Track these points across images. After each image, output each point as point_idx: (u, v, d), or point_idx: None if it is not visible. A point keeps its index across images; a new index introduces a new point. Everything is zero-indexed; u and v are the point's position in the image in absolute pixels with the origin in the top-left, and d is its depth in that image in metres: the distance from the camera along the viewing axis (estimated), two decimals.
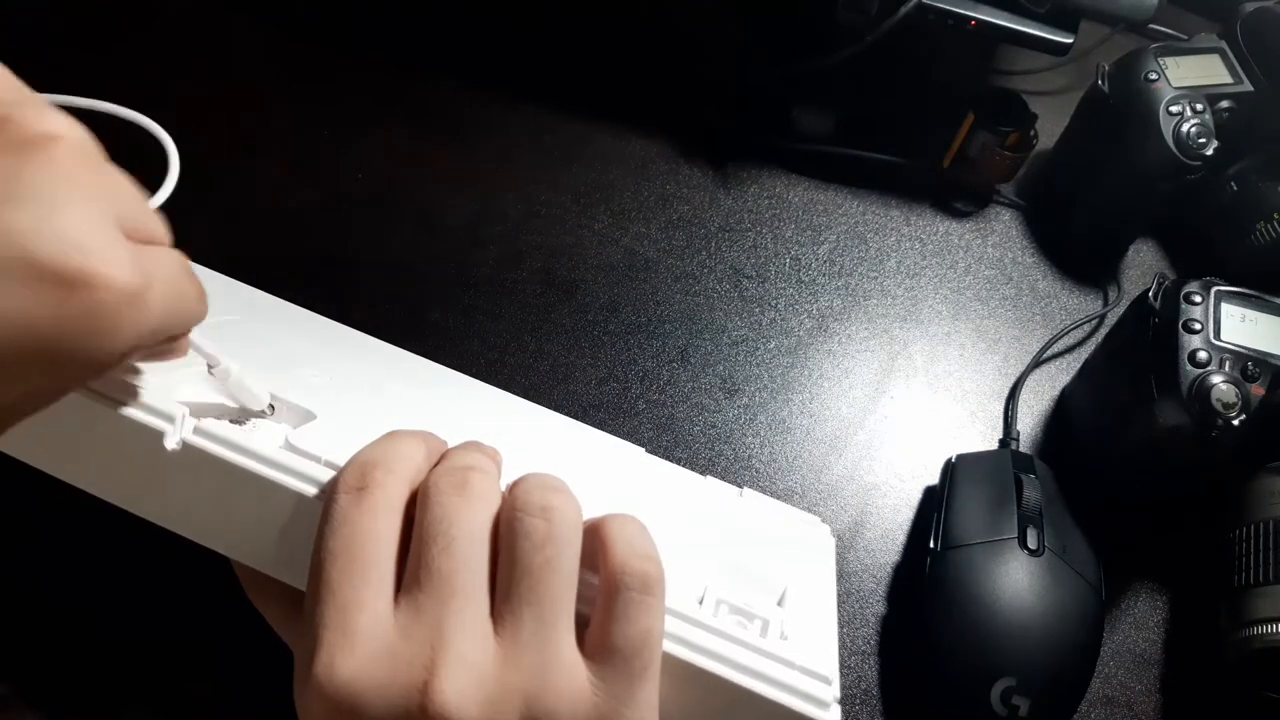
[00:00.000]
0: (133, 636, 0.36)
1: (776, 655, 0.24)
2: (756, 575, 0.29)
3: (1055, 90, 0.60)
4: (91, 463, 0.25)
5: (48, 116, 0.19)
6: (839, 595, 0.41)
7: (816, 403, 0.47)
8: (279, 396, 0.27)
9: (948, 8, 0.49)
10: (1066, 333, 0.50)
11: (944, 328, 0.50)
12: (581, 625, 0.23)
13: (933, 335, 0.50)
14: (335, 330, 0.38)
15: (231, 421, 0.26)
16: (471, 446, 0.26)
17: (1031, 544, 0.38)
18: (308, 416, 0.27)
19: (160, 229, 0.21)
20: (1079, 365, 0.48)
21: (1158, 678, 0.41)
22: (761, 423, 0.45)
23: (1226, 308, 0.39)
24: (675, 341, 0.48)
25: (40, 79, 0.43)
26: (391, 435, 0.25)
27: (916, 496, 0.44)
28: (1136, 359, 0.41)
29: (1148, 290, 0.41)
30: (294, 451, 0.24)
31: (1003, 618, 0.36)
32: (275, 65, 0.55)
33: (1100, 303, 0.52)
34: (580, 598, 0.23)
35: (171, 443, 0.24)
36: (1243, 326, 0.39)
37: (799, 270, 0.51)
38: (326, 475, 0.24)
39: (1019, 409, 0.47)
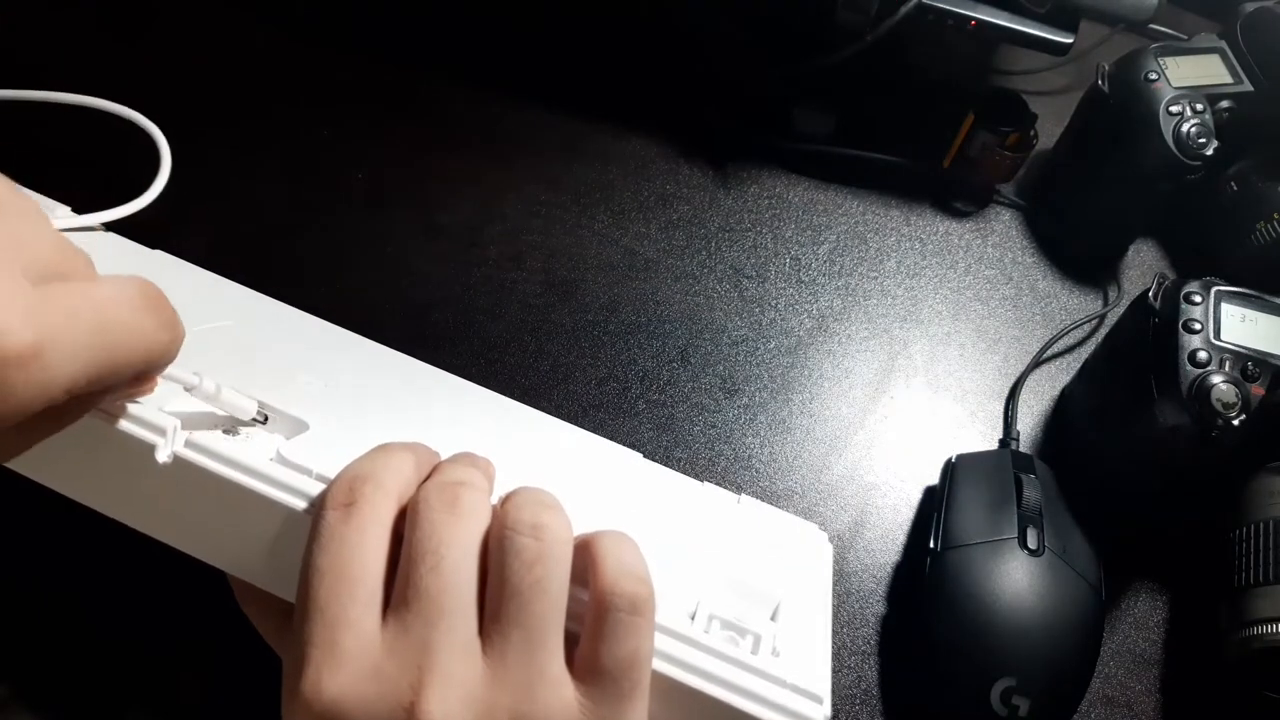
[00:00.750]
0: (131, 638, 0.36)
1: (768, 673, 0.24)
2: (751, 587, 0.29)
3: (1055, 90, 0.60)
4: (83, 474, 0.25)
5: None
6: (839, 595, 0.41)
7: (816, 403, 0.47)
8: (272, 406, 0.27)
9: (948, 8, 0.49)
10: (1066, 333, 0.50)
11: (944, 328, 0.50)
12: (571, 642, 0.22)
13: (933, 335, 0.50)
14: (332, 333, 0.38)
15: (225, 431, 0.26)
16: (463, 460, 0.26)
17: (1031, 544, 0.38)
18: (301, 426, 0.27)
19: (79, 266, 0.19)
20: (1079, 365, 0.48)
21: (1158, 678, 0.41)
22: (761, 423, 0.45)
23: (1226, 308, 0.39)
24: (675, 341, 0.48)
25: (36, 77, 0.43)
26: (381, 449, 0.24)
27: (916, 496, 0.44)
28: (1136, 359, 0.40)
29: (1148, 290, 0.41)
30: (284, 464, 0.24)
31: (1003, 618, 0.36)
32: (275, 65, 0.55)
33: (1100, 303, 0.52)
34: (570, 615, 0.22)
35: (163, 456, 0.24)
36: (1243, 326, 0.39)
37: (799, 270, 0.51)
38: (316, 489, 0.24)
39: (1019, 409, 0.47)
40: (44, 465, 0.25)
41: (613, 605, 0.22)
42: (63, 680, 0.35)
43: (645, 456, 0.37)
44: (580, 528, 0.24)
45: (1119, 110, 0.49)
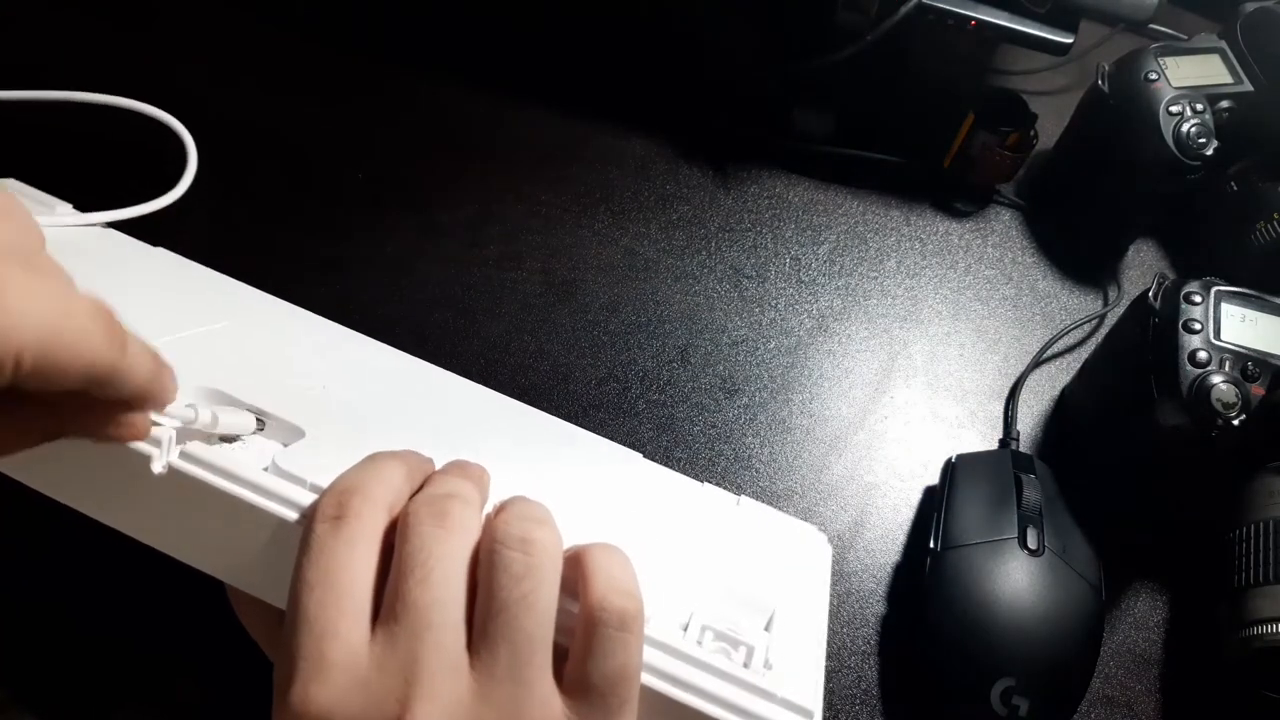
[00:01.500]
0: (130, 640, 0.36)
1: (759, 688, 0.24)
2: (747, 595, 0.28)
3: (1055, 90, 0.60)
4: (79, 482, 0.25)
5: None
6: (839, 595, 0.41)
7: (816, 403, 0.47)
8: (269, 413, 0.27)
9: (948, 8, 0.49)
10: (1066, 333, 0.50)
11: (944, 328, 0.50)
12: (560, 656, 0.22)
13: (933, 335, 0.50)
14: (333, 332, 0.38)
15: (221, 439, 0.26)
16: (455, 471, 0.26)
17: (1031, 544, 0.38)
18: (297, 433, 0.27)
19: (41, 259, 0.19)
20: (1079, 365, 0.48)
21: (1158, 678, 0.41)
22: (761, 423, 0.45)
23: (1226, 308, 0.39)
24: (675, 341, 0.48)
25: (36, 75, 0.43)
26: (372, 459, 0.24)
27: (916, 496, 0.44)
28: (1136, 359, 0.40)
29: (1148, 290, 0.41)
30: (278, 474, 0.25)
31: (1003, 618, 0.36)
32: (275, 65, 0.55)
33: (1100, 303, 0.52)
34: (560, 628, 0.22)
35: (158, 466, 0.24)
36: (1243, 326, 0.39)
37: (799, 270, 0.51)
38: (309, 498, 0.24)
39: (1019, 409, 0.47)
40: (41, 473, 0.25)
41: (602, 621, 0.22)
42: (62, 682, 0.35)
43: (646, 457, 0.37)
44: (577, 532, 0.24)
45: (1119, 110, 0.49)
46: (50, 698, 0.34)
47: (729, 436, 0.45)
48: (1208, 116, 0.47)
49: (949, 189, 0.55)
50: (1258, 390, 0.37)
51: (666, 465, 0.41)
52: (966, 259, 0.53)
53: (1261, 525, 0.38)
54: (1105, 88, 0.50)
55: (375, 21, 0.58)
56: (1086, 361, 0.47)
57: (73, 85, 0.44)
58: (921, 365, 0.49)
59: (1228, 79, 0.49)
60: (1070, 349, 0.50)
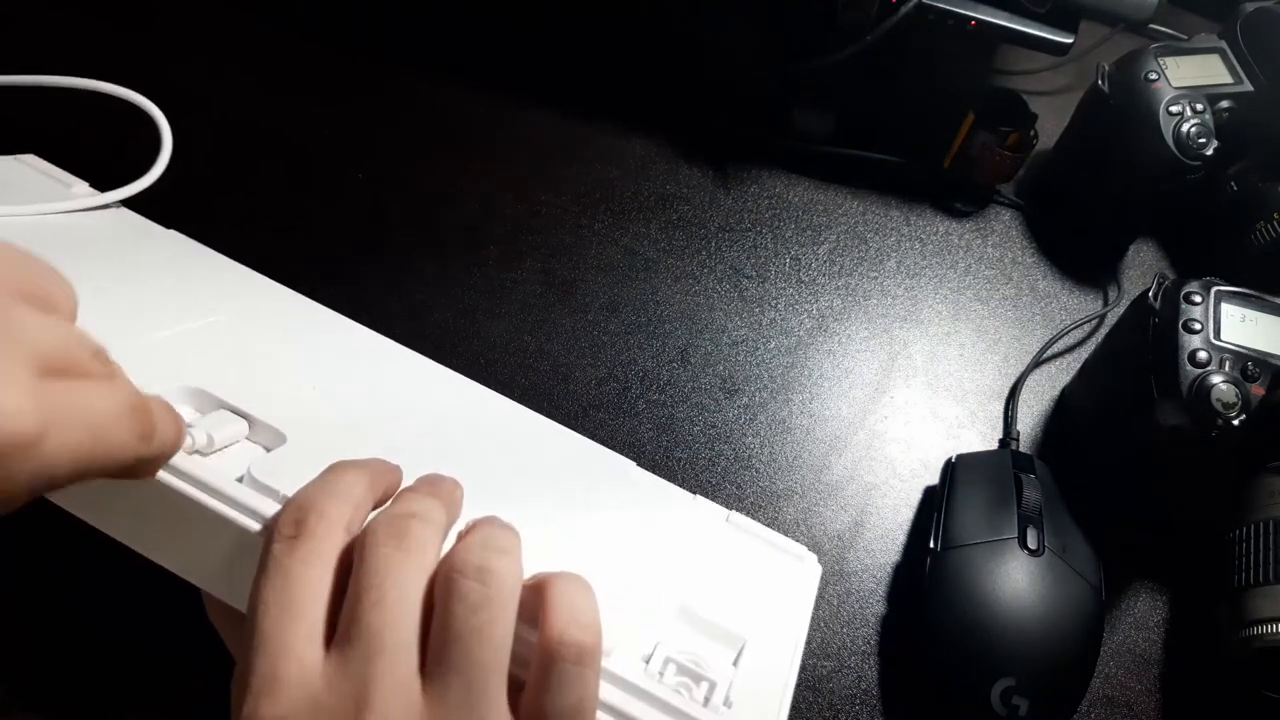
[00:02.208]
0: (131, 639, 0.36)
1: None
2: (718, 625, 0.28)
3: (1055, 90, 0.60)
4: None
5: None
6: (839, 595, 0.41)
7: (816, 403, 0.47)
8: (254, 417, 0.28)
9: (948, 8, 0.49)
10: (1066, 333, 0.50)
11: (944, 328, 0.50)
12: (517, 687, 0.22)
13: (933, 335, 0.50)
14: (332, 322, 0.38)
15: (205, 447, 0.26)
16: (424, 488, 0.25)
17: (1031, 544, 0.38)
18: (279, 439, 0.27)
19: (92, 363, 0.20)
20: (1079, 365, 0.48)
21: (1158, 678, 0.41)
22: (761, 423, 0.45)
23: (1226, 308, 0.39)
24: (675, 341, 0.48)
25: (36, 67, 0.43)
26: (333, 471, 0.24)
27: (916, 496, 0.44)
28: (1136, 359, 0.40)
29: (1148, 290, 0.41)
30: (252, 484, 0.25)
31: (1003, 618, 0.36)
32: (275, 64, 0.55)
33: (1100, 303, 0.52)
34: (517, 658, 0.22)
35: None
36: (1243, 326, 0.39)
37: (799, 270, 0.51)
38: (275, 511, 0.24)
39: (1019, 409, 0.47)
40: None
41: (560, 655, 0.22)
42: (63, 681, 0.35)
43: (640, 458, 0.37)
44: (551, 550, 0.24)
45: (1119, 110, 0.49)
46: (62, 699, 0.34)
47: (729, 436, 0.45)
48: (1208, 116, 0.47)
49: (949, 189, 0.55)
50: (1258, 390, 0.37)
51: (666, 465, 0.42)
52: (966, 259, 0.53)
53: (1261, 525, 0.38)
54: (1105, 88, 0.50)
55: (375, 21, 0.58)
56: (1086, 361, 0.47)
57: (77, 74, 0.44)
58: (921, 365, 0.49)
59: (1228, 79, 0.49)
60: (1070, 349, 0.50)
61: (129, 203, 0.42)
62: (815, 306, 0.50)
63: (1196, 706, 0.40)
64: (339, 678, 0.21)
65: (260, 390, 0.29)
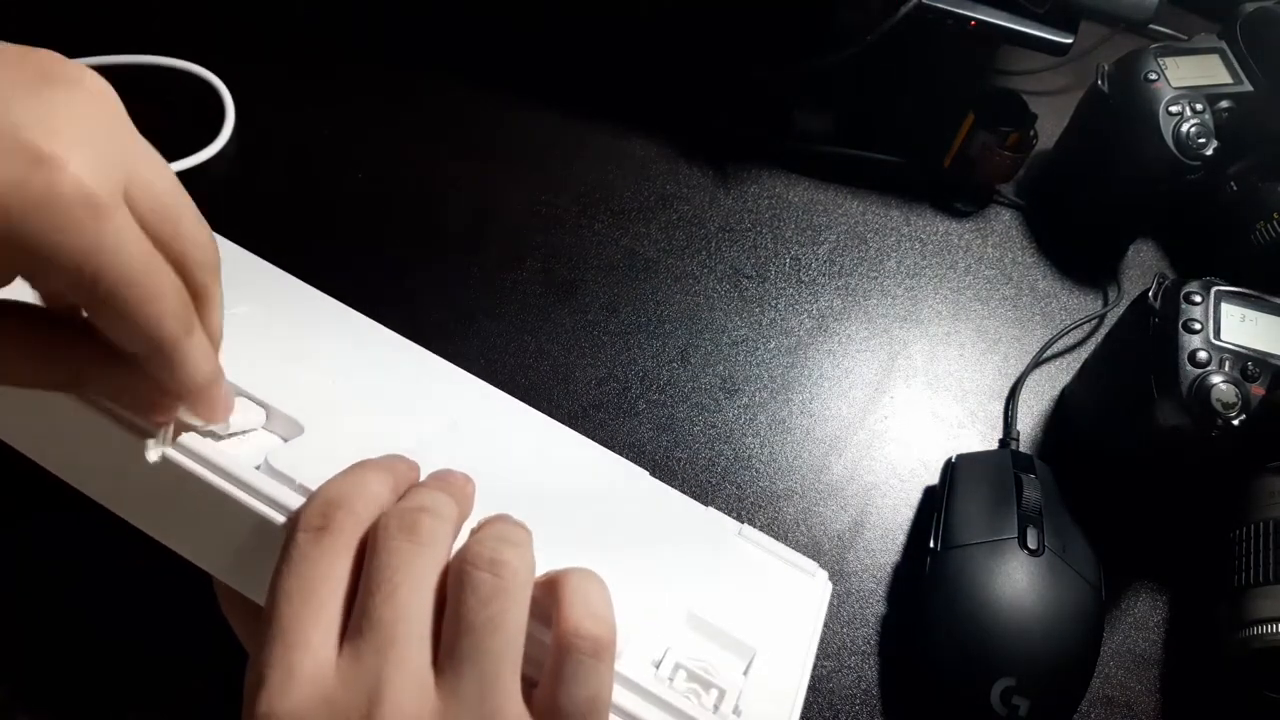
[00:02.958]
0: (131, 638, 0.36)
1: None
2: (729, 634, 0.28)
3: (1055, 90, 0.60)
4: (77, 460, 0.25)
5: (86, 71, 0.20)
6: (839, 595, 0.41)
7: (816, 403, 0.47)
8: (273, 406, 0.28)
9: (948, 8, 0.49)
10: (1066, 333, 0.50)
11: (944, 328, 0.50)
12: (531, 686, 0.22)
13: (933, 335, 0.50)
14: (353, 321, 0.38)
15: (221, 429, 0.26)
16: (435, 484, 0.25)
17: (1031, 544, 0.38)
18: (297, 429, 0.27)
19: (178, 212, 0.21)
20: (1079, 365, 0.48)
21: (1158, 678, 0.41)
22: (761, 423, 0.45)
23: (1226, 308, 0.39)
24: (675, 341, 0.48)
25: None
26: (358, 469, 0.24)
27: (916, 496, 0.44)
28: (1136, 359, 0.41)
29: (1148, 290, 0.41)
30: (270, 473, 0.25)
31: (1003, 618, 0.36)
32: (274, 64, 0.55)
33: (1100, 303, 0.52)
34: (530, 658, 0.22)
35: (153, 455, 0.24)
36: (1243, 326, 0.39)
37: (799, 270, 0.51)
38: (297, 501, 0.24)
39: (1019, 409, 0.47)
40: (33, 436, 0.26)
41: (574, 647, 0.22)
42: (63, 681, 0.35)
43: (640, 458, 0.37)
44: (563, 550, 0.24)
45: (1119, 110, 0.49)
46: (62, 699, 0.34)
47: (729, 436, 0.45)
48: (1208, 116, 0.47)
49: (949, 189, 0.55)
50: (1258, 390, 0.37)
51: (666, 465, 0.42)
52: (966, 259, 0.53)
53: (1261, 525, 0.38)
54: (1105, 88, 0.50)
55: (375, 21, 0.58)
56: (1086, 361, 0.47)
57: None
58: (921, 365, 0.49)
59: (1228, 79, 0.49)
60: (1070, 349, 0.50)
61: None
62: (815, 306, 0.50)
63: (1196, 706, 0.40)
64: (352, 672, 0.21)
65: (279, 380, 0.29)
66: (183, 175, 0.44)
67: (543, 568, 0.23)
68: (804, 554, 0.36)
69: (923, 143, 0.54)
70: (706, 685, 0.25)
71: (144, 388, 0.22)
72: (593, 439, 0.38)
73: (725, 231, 0.52)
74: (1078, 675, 0.38)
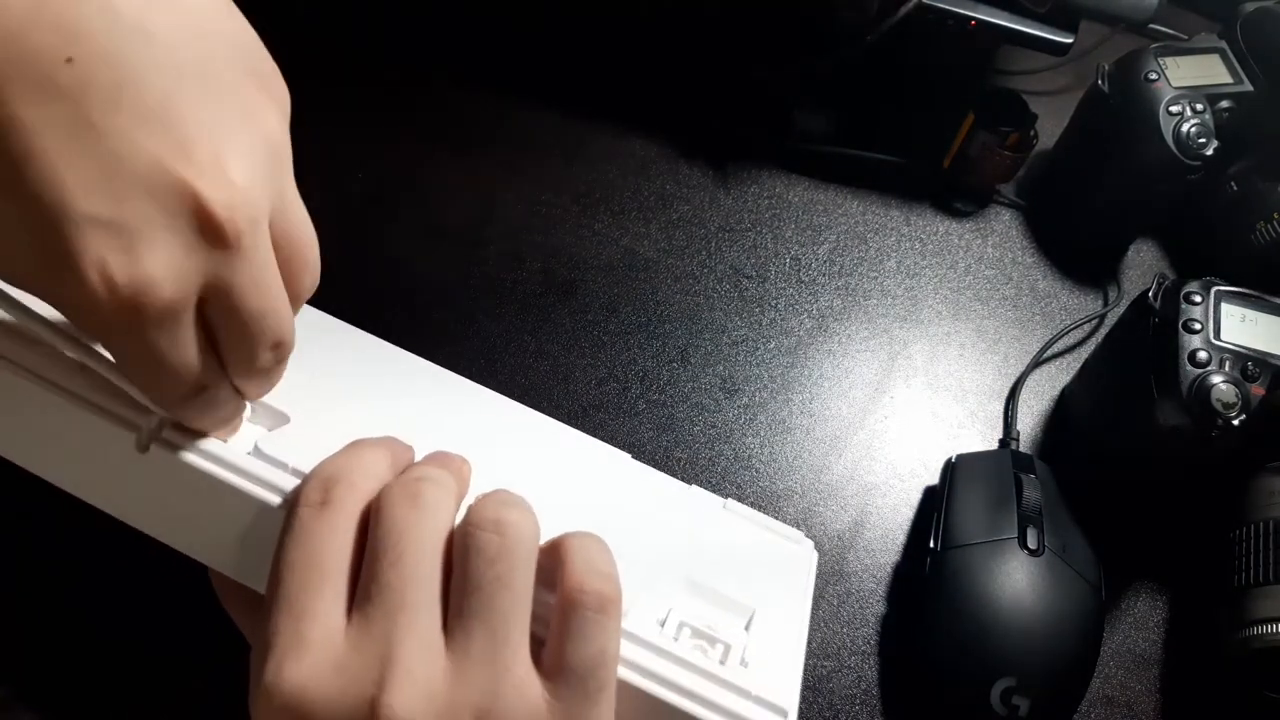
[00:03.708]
0: (131, 638, 0.36)
1: (733, 684, 0.24)
2: (726, 595, 0.28)
3: (1055, 90, 0.60)
4: (64, 460, 0.25)
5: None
6: (839, 595, 0.41)
7: (816, 403, 0.47)
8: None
9: (948, 8, 0.49)
10: (1066, 333, 0.50)
11: (944, 328, 0.50)
12: (539, 646, 0.22)
13: (933, 335, 0.50)
14: (328, 322, 0.38)
15: None
16: (434, 460, 0.26)
17: (1031, 544, 0.38)
18: (282, 419, 0.27)
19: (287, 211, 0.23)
20: (1079, 365, 0.48)
21: (1158, 678, 0.41)
22: (761, 423, 0.45)
23: (1226, 308, 0.39)
24: (675, 341, 0.48)
25: None
26: (356, 446, 0.25)
27: (916, 496, 0.44)
28: (1136, 359, 0.40)
29: (1148, 290, 0.41)
30: (261, 458, 0.25)
31: (1003, 618, 0.36)
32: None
33: (1100, 303, 0.52)
34: (537, 618, 0.22)
35: (142, 445, 0.24)
36: (1243, 326, 0.39)
37: (799, 270, 0.51)
38: (291, 483, 0.24)
39: (1019, 409, 0.47)
40: (28, 450, 0.25)
41: (580, 603, 0.22)
42: (63, 681, 0.35)
43: (640, 457, 0.37)
44: (558, 528, 0.24)
45: (1119, 110, 0.49)
46: (62, 699, 0.34)
47: (729, 436, 0.45)
48: (1208, 116, 0.47)
49: (949, 189, 0.55)
50: (1258, 390, 0.37)
51: (666, 465, 0.42)
52: (966, 259, 0.53)
53: (1261, 525, 0.38)
54: (1105, 88, 0.50)
55: (375, 21, 0.58)
56: (1086, 361, 0.47)
57: None
58: (921, 365, 0.49)
59: (1228, 79, 0.49)
60: (1070, 349, 0.50)
61: None
62: (815, 306, 0.50)
63: (1196, 706, 0.40)
64: (363, 638, 0.21)
65: None
66: None
67: (542, 540, 0.24)
68: None
69: (923, 143, 0.54)
70: (712, 641, 0.25)
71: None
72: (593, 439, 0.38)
73: (725, 231, 0.52)
74: (1078, 675, 0.38)
